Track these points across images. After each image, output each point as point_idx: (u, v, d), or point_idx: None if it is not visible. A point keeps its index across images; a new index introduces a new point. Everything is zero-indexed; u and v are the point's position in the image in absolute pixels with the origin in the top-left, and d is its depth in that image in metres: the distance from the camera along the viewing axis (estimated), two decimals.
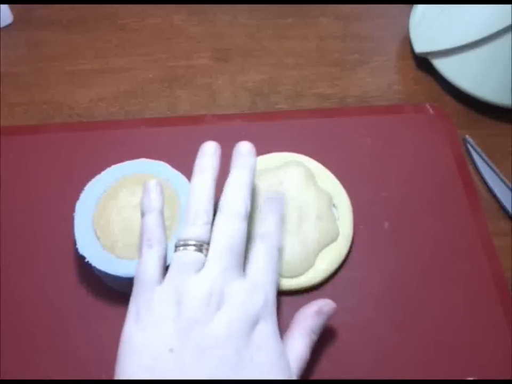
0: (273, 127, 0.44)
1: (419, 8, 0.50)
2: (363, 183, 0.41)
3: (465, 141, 0.45)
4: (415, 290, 0.37)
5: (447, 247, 0.39)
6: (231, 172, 0.33)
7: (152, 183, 0.33)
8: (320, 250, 0.37)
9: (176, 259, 0.29)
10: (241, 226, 0.30)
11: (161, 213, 0.32)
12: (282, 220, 0.34)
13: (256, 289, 0.29)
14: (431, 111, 0.46)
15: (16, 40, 0.51)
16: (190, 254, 0.29)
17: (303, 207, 0.37)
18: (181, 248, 0.30)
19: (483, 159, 0.44)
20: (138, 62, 0.50)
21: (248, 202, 0.31)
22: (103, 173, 0.37)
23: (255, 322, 0.28)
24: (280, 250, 0.32)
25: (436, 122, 0.45)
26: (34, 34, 0.51)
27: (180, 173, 0.37)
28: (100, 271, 0.33)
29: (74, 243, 0.34)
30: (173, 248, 0.34)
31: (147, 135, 0.43)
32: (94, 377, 0.33)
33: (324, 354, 0.33)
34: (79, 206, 0.35)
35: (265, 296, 0.29)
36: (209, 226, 0.30)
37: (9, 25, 0.52)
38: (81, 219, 0.35)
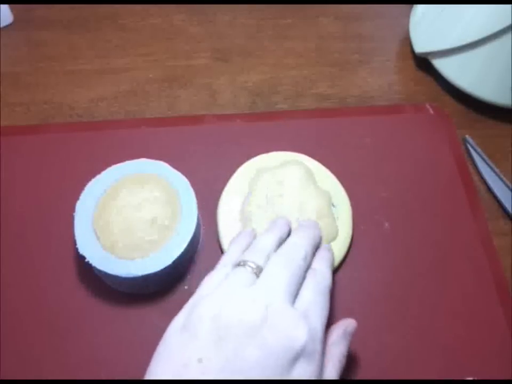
0: (273, 127, 0.44)
1: (419, 8, 0.50)
2: (363, 183, 0.41)
3: (465, 141, 0.45)
4: (415, 290, 0.37)
5: (447, 247, 0.39)
6: (294, 231, 0.34)
7: (250, 229, 0.35)
8: None
9: (232, 273, 0.29)
10: (300, 263, 0.30)
11: (246, 248, 0.33)
12: (332, 268, 0.34)
13: (303, 321, 0.27)
14: (431, 111, 0.46)
15: (16, 40, 0.51)
16: (247, 272, 0.29)
17: (302, 207, 0.37)
18: (240, 266, 0.30)
19: (483, 159, 0.44)
20: (138, 62, 0.50)
21: (310, 253, 0.32)
22: (103, 173, 0.37)
23: (295, 357, 0.26)
24: (329, 293, 0.31)
25: (435, 122, 0.45)
26: (34, 34, 0.51)
27: (180, 173, 0.37)
28: (99, 271, 0.33)
29: (74, 243, 0.34)
30: (173, 248, 0.34)
31: (147, 135, 0.43)
32: (94, 377, 0.33)
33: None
34: (79, 206, 0.35)
35: (311, 330, 0.27)
36: (267, 259, 0.30)
37: (9, 25, 0.52)
38: (81, 219, 0.35)
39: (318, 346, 0.27)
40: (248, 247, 0.33)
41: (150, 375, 0.27)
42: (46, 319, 0.35)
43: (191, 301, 0.29)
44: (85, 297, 0.36)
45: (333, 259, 0.35)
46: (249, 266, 0.29)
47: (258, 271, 0.29)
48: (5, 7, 0.51)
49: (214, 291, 0.28)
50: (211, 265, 0.37)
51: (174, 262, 0.33)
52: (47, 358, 0.34)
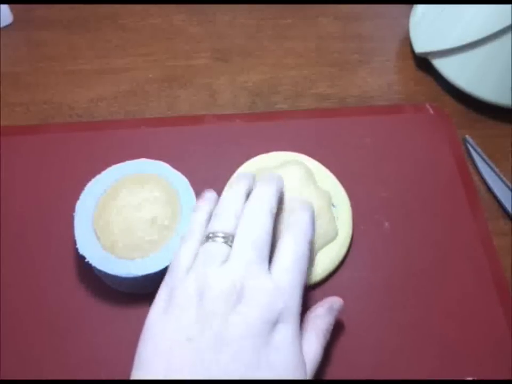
0: (273, 127, 0.44)
1: (419, 8, 0.50)
2: (363, 183, 0.41)
3: (465, 141, 0.45)
4: (415, 290, 0.37)
5: (447, 247, 0.39)
6: (257, 182, 0.33)
7: (210, 192, 0.34)
8: (319, 250, 0.37)
9: (203, 250, 0.29)
10: (267, 221, 0.30)
11: (209, 213, 0.32)
12: (313, 219, 0.33)
13: (278, 291, 0.28)
14: (431, 111, 0.46)
15: (16, 40, 0.51)
16: (218, 245, 0.29)
17: None
18: (210, 240, 0.30)
19: (483, 159, 0.44)
20: (138, 62, 0.50)
21: (275, 200, 0.31)
22: (103, 173, 0.37)
23: (274, 324, 0.27)
24: (311, 245, 0.31)
25: (435, 122, 0.45)
26: (34, 34, 0.51)
27: (180, 173, 0.37)
28: (99, 271, 0.33)
29: (74, 243, 0.34)
30: (173, 248, 0.34)
31: (147, 135, 0.43)
32: (94, 377, 0.33)
33: (324, 354, 0.33)
34: (79, 206, 0.35)
35: (287, 299, 0.28)
36: (237, 221, 0.30)
37: (9, 25, 0.52)
38: (81, 219, 0.35)
39: (294, 311, 0.28)
40: (211, 211, 0.32)
41: (140, 360, 0.27)
42: (46, 319, 0.35)
43: (168, 282, 0.29)
44: (85, 297, 0.36)
45: (311, 209, 0.33)
46: (219, 237, 0.29)
47: (229, 239, 0.29)
48: (5, 7, 0.51)
49: (190, 272, 0.29)
50: None
51: None
52: (47, 358, 0.34)
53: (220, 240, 0.29)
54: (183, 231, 0.34)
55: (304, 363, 0.28)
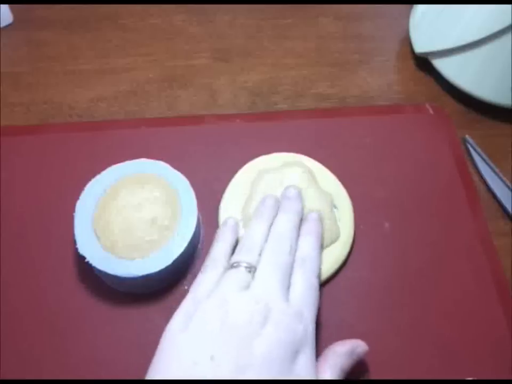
0: (273, 127, 0.44)
1: (419, 8, 0.50)
2: (363, 183, 0.41)
3: (465, 141, 0.45)
4: (415, 289, 0.37)
5: (447, 247, 0.39)
6: (279, 214, 0.35)
7: (233, 220, 0.36)
8: (321, 251, 0.37)
9: (227, 275, 0.31)
10: (286, 258, 0.32)
11: (232, 245, 0.35)
12: (320, 240, 0.35)
13: (299, 317, 0.29)
14: (431, 111, 0.46)
15: (16, 40, 0.51)
16: (241, 273, 0.31)
17: (304, 208, 0.37)
18: (233, 268, 0.31)
19: (483, 159, 0.44)
20: (138, 62, 0.50)
21: (293, 241, 0.33)
22: (103, 173, 0.37)
23: (296, 351, 0.28)
24: (319, 277, 0.33)
25: (435, 122, 0.45)
26: (34, 34, 0.51)
27: (180, 173, 0.37)
28: (99, 271, 0.33)
29: (74, 243, 0.34)
30: (173, 248, 0.34)
31: (147, 135, 0.43)
32: (94, 377, 0.33)
33: None
34: (79, 206, 0.35)
35: (306, 326, 0.29)
36: (259, 257, 0.32)
37: (9, 25, 0.52)
38: (81, 219, 0.35)
39: (311, 338, 0.29)
40: (233, 242, 0.35)
41: (157, 372, 0.27)
42: (46, 319, 0.35)
43: (187, 303, 0.30)
44: (85, 297, 0.36)
45: (320, 230, 0.35)
46: (243, 267, 0.31)
47: (252, 269, 0.31)
48: (5, 7, 0.51)
49: (212, 294, 0.30)
50: None
51: (174, 262, 0.33)
52: (47, 358, 0.34)
53: (243, 269, 0.31)
54: (183, 231, 0.34)
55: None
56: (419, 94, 0.49)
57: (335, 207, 0.39)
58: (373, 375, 0.33)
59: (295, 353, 0.28)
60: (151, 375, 0.27)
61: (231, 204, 0.39)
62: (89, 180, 0.36)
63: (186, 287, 0.36)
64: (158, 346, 0.28)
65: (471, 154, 0.44)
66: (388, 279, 0.37)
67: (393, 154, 0.43)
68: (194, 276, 0.35)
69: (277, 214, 0.35)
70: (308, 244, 0.34)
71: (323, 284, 0.36)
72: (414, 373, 0.34)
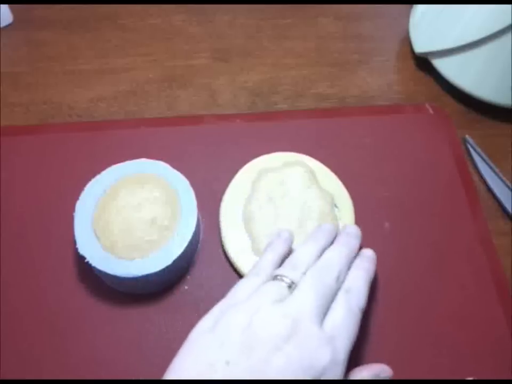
0: (273, 127, 0.44)
1: (419, 8, 0.50)
2: (363, 183, 0.41)
3: (465, 141, 0.45)
4: (415, 290, 0.37)
5: (447, 247, 0.39)
6: (333, 245, 0.34)
7: (288, 234, 0.35)
8: None
9: (267, 286, 0.30)
10: (332, 284, 0.30)
11: (282, 256, 0.33)
12: (371, 278, 0.33)
13: (328, 343, 0.28)
14: (431, 111, 0.46)
15: (16, 40, 0.51)
16: (281, 286, 0.30)
17: (305, 207, 0.37)
18: (276, 279, 0.30)
19: (483, 159, 0.44)
20: (138, 62, 0.50)
21: (343, 270, 0.32)
22: (103, 173, 0.37)
23: (316, 377, 0.27)
24: (363, 313, 0.31)
25: (435, 122, 0.45)
26: (34, 34, 0.51)
27: (179, 173, 0.37)
28: (99, 271, 0.33)
29: (74, 243, 0.34)
30: (173, 248, 0.34)
31: (147, 135, 0.43)
32: (94, 377, 0.33)
33: None
34: (79, 206, 0.35)
35: (335, 354, 0.27)
36: (303, 276, 0.31)
37: (9, 25, 0.52)
38: (81, 219, 0.35)
39: (339, 370, 0.28)
40: (283, 254, 0.33)
41: (174, 371, 0.27)
42: (46, 319, 0.35)
43: (221, 305, 0.30)
44: (85, 297, 0.36)
45: (373, 269, 0.34)
46: (285, 281, 0.30)
47: (292, 287, 0.30)
48: (5, 7, 0.51)
49: (246, 301, 0.29)
50: (211, 265, 0.37)
51: (174, 262, 0.33)
52: (47, 358, 0.34)
53: (284, 284, 0.30)
54: (183, 231, 0.34)
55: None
56: (419, 94, 0.49)
57: (336, 206, 0.39)
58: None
59: (315, 377, 0.26)
60: (168, 372, 0.27)
61: (231, 204, 0.39)
62: (89, 179, 0.36)
63: (186, 287, 0.36)
64: (182, 344, 0.28)
65: (471, 154, 0.44)
66: (387, 279, 0.37)
67: (393, 154, 0.43)
68: (194, 276, 0.35)
69: (331, 243, 0.34)
70: (357, 276, 0.32)
71: None
72: (414, 373, 0.34)
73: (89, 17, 0.53)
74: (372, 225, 0.39)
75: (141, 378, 0.33)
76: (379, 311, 0.36)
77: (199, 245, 0.38)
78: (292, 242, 0.35)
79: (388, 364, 0.33)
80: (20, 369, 0.33)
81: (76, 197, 0.35)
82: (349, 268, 0.33)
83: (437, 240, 0.39)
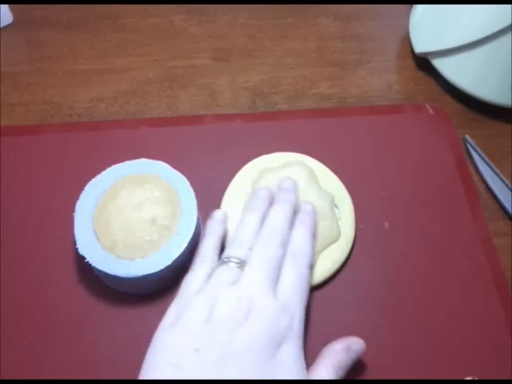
0: (273, 127, 0.44)
1: (419, 8, 0.50)
2: (363, 183, 0.41)
3: (465, 141, 0.45)
4: (415, 289, 0.37)
5: (447, 247, 0.39)
6: (273, 205, 0.35)
7: (221, 213, 0.36)
8: (322, 250, 0.37)
9: (218, 271, 0.31)
10: (277, 251, 0.32)
11: (221, 238, 0.35)
12: (314, 234, 0.35)
13: (284, 311, 0.30)
14: (431, 111, 0.46)
15: (16, 40, 0.51)
16: (230, 269, 0.31)
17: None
18: (224, 264, 0.32)
19: (483, 159, 0.44)
20: (138, 62, 0.50)
21: (286, 232, 0.33)
22: (103, 173, 0.37)
23: (279, 343, 0.29)
24: (310, 269, 0.33)
25: (435, 122, 0.45)
26: (34, 34, 0.51)
27: (180, 173, 0.37)
28: (99, 271, 0.33)
29: (74, 243, 0.34)
30: (173, 248, 0.34)
31: (147, 135, 0.43)
32: (94, 377, 0.33)
33: None
34: (79, 206, 0.35)
35: (291, 319, 0.30)
36: (249, 251, 0.32)
37: (9, 25, 0.52)
38: (81, 219, 0.35)
39: (298, 332, 0.30)
40: (222, 235, 0.35)
41: (146, 370, 0.28)
42: (46, 319, 0.35)
43: (177, 301, 0.31)
44: (85, 297, 0.36)
45: (314, 222, 0.35)
46: (233, 262, 0.32)
47: (242, 265, 0.31)
48: (5, 7, 0.51)
49: (201, 291, 0.30)
50: None
51: (174, 262, 0.33)
52: (47, 358, 0.34)
53: (233, 264, 0.31)
54: (183, 231, 0.34)
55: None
56: (419, 94, 0.49)
57: (336, 206, 0.39)
58: (373, 375, 0.33)
59: (278, 345, 0.28)
60: (141, 374, 0.28)
61: (231, 204, 0.39)
62: (89, 180, 0.36)
63: None
64: (149, 345, 0.29)
65: (471, 154, 0.44)
66: (387, 278, 0.37)
67: (393, 154, 0.43)
68: None
69: (269, 205, 0.35)
70: (300, 235, 0.34)
71: (323, 284, 0.36)
72: (414, 373, 0.34)
73: (90, 17, 0.53)
74: (372, 225, 0.39)
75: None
76: (379, 311, 0.36)
77: (199, 245, 0.38)
78: (227, 220, 0.36)
79: (388, 363, 0.34)
80: (20, 369, 0.33)
81: (76, 197, 0.35)
82: (291, 223, 0.34)
83: (437, 240, 0.39)
